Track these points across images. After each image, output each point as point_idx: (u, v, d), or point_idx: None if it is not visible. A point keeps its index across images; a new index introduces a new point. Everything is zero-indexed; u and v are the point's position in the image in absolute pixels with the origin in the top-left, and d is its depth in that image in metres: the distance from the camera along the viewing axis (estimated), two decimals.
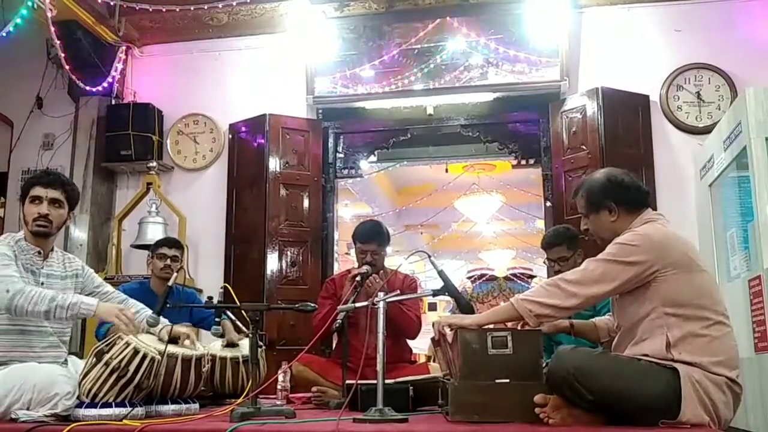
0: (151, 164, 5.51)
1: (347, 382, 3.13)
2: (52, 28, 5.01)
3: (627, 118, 5.06)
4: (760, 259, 3.33)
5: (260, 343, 2.75)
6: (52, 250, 3.00)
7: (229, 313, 3.53)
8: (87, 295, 3.07)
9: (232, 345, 3.55)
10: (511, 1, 5.34)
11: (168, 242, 4.10)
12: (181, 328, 2.95)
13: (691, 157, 4.84)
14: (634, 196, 2.53)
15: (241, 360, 3.42)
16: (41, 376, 2.61)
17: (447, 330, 2.55)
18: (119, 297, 3.16)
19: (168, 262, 3.97)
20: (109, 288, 3.17)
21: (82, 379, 2.64)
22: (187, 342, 2.90)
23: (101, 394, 2.58)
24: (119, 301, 3.13)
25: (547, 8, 5.12)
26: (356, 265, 3.90)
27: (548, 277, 3.63)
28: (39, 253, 2.92)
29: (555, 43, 5.25)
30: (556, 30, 5.19)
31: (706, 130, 4.81)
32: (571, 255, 3.54)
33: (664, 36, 5.26)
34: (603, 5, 5.36)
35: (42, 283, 2.89)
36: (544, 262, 3.81)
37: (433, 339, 2.94)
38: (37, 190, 2.92)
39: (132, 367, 2.60)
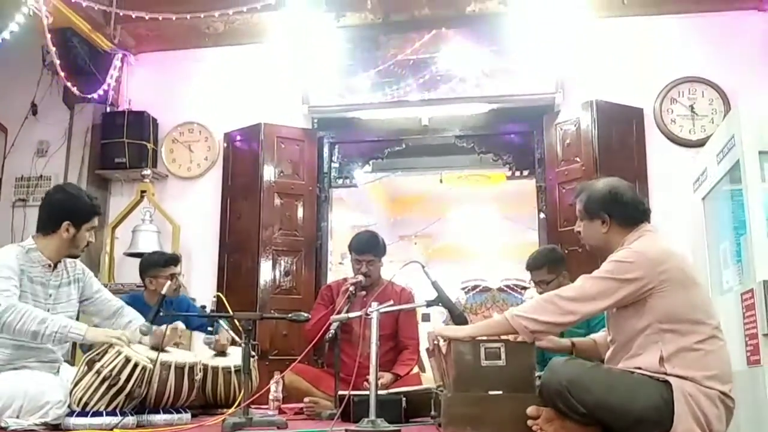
0: (145, 172, 5.50)
1: (340, 392, 3.12)
2: (48, 35, 5.00)
3: (621, 131, 5.08)
4: (753, 273, 3.33)
5: (252, 353, 2.74)
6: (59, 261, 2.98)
7: (222, 322, 3.52)
8: (85, 300, 3.05)
9: (221, 353, 3.53)
10: (506, 12, 5.36)
11: (174, 260, 4.00)
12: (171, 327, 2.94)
13: (685, 170, 4.85)
14: (631, 213, 2.54)
15: (233, 370, 3.41)
16: (32, 383, 2.60)
17: (441, 341, 2.54)
18: (117, 304, 3.14)
19: (180, 282, 3.93)
20: (107, 294, 3.15)
21: (74, 387, 2.63)
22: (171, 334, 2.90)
23: (92, 403, 2.58)
24: (116, 308, 3.11)
25: (542, 20, 5.14)
26: (351, 274, 3.90)
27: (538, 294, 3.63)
28: (49, 265, 2.90)
29: (549, 56, 5.27)
30: (550, 42, 5.21)
31: (700, 143, 4.84)
32: (552, 278, 3.52)
33: (658, 49, 5.29)
34: (598, 18, 5.39)
35: (51, 295, 2.87)
36: (529, 282, 3.81)
37: (427, 349, 2.93)
38: (96, 221, 2.97)
39: (123, 376, 2.59)
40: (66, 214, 2.88)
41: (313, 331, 3.47)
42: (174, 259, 4.00)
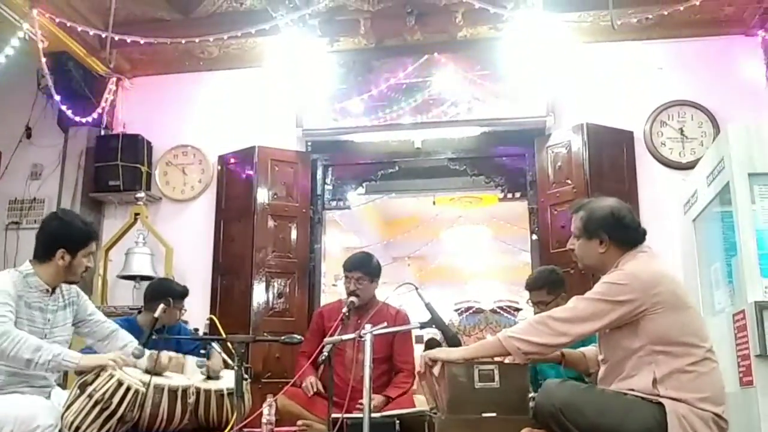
0: (139, 195, 5.50)
1: (333, 415, 3.11)
2: (43, 59, 5.04)
3: (611, 154, 5.13)
4: (744, 294, 3.35)
5: (245, 376, 2.73)
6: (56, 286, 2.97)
7: (215, 345, 3.50)
8: (79, 322, 3.04)
9: (213, 377, 3.51)
10: (497, 37, 5.43)
11: (187, 292, 3.97)
12: (166, 355, 2.93)
13: (675, 192, 4.89)
14: (630, 236, 2.55)
15: (225, 393, 3.38)
16: (23, 407, 2.58)
17: (435, 366, 2.54)
18: (110, 327, 3.12)
19: (182, 312, 3.91)
20: (101, 317, 3.13)
21: (65, 411, 2.61)
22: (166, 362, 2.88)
23: (84, 427, 2.56)
24: (110, 331, 3.10)
25: (533, 45, 5.20)
26: (344, 296, 3.90)
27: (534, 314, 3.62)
28: (47, 290, 2.89)
29: (540, 79, 5.32)
30: (541, 66, 5.26)
31: (690, 166, 4.89)
32: (551, 300, 3.51)
33: (648, 73, 5.36)
34: (588, 42, 5.46)
35: (48, 320, 2.86)
36: (528, 302, 3.81)
37: (418, 372, 2.93)
38: (94, 246, 2.97)
39: (115, 400, 2.58)
40: (60, 241, 2.87)
41: (301, 369, 3.43)
42: (187, 292, 4.00)
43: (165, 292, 3.87)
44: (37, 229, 2.98)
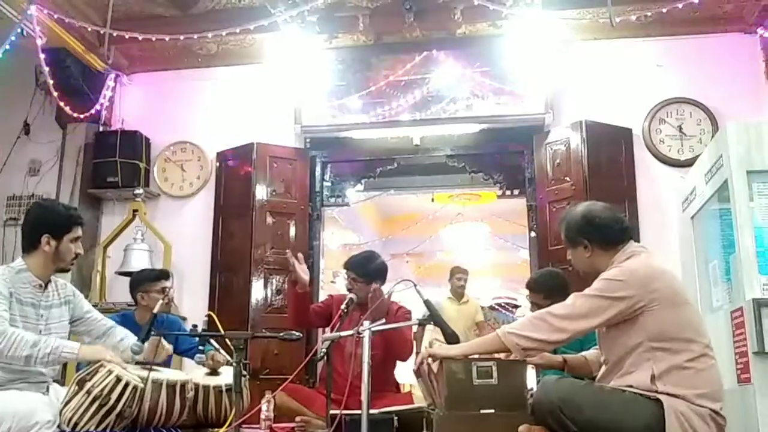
0: (137, 191, 5.50)
1: (331, 412, 3.11)
2: (42, 55, 5.03)
3: (610, 151, 5.13)
4: (742, 291, 3.36)
5: (244, 372, 2.73)
6: (49, 280, 2.98)
7: (213, 342, 3.50)
8: (76, 320, 3.04)
9: (214, 371, 3.51)
10: (496, 34, 5.43)
11: (165, 275, 3.97)
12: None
13: (674, 190, 4.90)
14: (609, 235, 2.56)
15: (224, 389, 3.38)
16: (21, 404, 2.58)
17: (430, 360, 2.54)
18: (107, 324, 3.12)
19: (171, 295, 3.91)
20: (97, 314, 3.13)
21: (63, 407, 2.61)
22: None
23: (82, 423, 2.56)
24: (107, 328, 3.09)
25: (532, 42, 5.21)
26: (343, 293, 3.91)
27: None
28: (40, 285, 2.88)
29: (539, 77, 5.33)
30: (540, 63, 5.27)
31: (688, 163, 4.89)
32: (547, 304, 3.51)
33: (647, 71, 5.37)
34: (587, 40, 5.47)
35: (42, 315, 2.85)
36: (527, 297, 3.81)
37: (414, 370, 2.92)
38: (79, 231, 2.94)
39: (114, 396, 2.58)
40: (43, 227, 2.87)
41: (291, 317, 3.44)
42: (165, 274, 3.99)
43: (141, 279, 3.90)
44: (21, 223, 2.98)
